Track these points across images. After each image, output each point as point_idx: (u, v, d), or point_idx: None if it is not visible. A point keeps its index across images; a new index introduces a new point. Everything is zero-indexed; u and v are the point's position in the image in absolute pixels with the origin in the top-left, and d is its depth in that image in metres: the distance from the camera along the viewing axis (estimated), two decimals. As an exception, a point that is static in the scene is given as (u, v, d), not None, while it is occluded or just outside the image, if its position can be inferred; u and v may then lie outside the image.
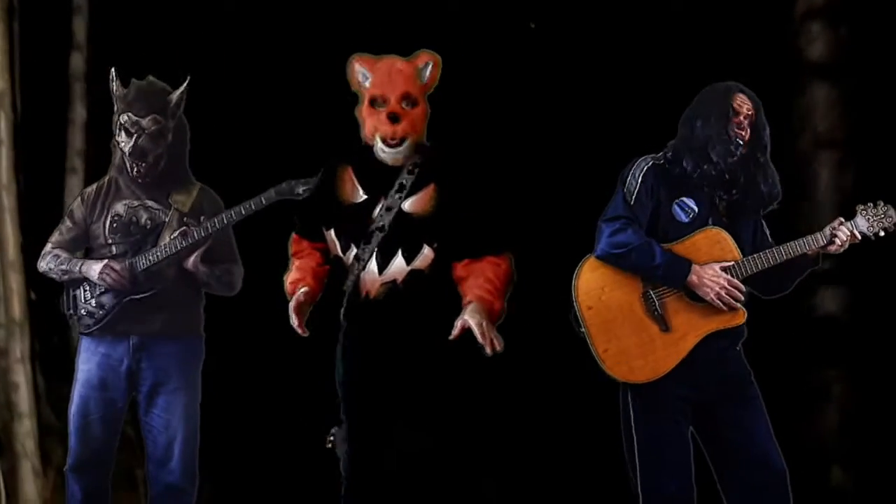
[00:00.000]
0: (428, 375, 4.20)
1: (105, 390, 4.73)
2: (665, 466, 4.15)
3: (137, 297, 4.67)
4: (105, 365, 4.73)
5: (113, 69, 4.75)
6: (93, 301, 4.75)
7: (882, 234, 4.20)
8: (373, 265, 4.22)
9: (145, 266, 4.68)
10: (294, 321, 4.18)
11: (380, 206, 4.24)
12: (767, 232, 4.29)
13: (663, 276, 4.13)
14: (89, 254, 4.81)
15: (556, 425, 5.98)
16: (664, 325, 4.14)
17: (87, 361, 4.78)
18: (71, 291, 4.81)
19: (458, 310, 4.16)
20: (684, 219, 4.18)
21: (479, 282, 4.19)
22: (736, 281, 4.12)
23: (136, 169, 4.70)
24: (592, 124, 5.89)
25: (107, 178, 4.84)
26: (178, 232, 4.66)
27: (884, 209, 4.21)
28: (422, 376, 4.19)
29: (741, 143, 4.16)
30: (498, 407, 5.74)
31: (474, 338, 4.04)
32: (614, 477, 4.49)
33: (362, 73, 4.29)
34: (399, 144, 4.21)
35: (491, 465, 5.78)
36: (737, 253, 4.16)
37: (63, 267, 4.77)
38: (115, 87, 4.76)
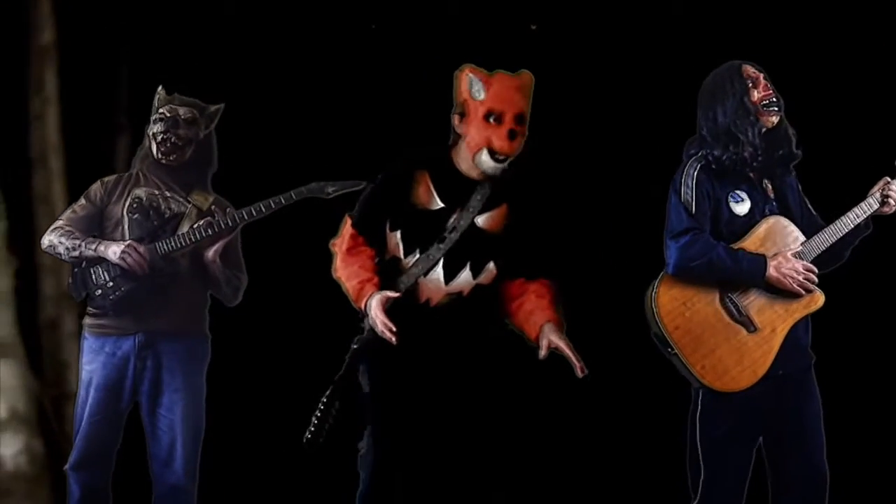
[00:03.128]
0: (485, 389, 4.29)
1: (109, 390, 4.73)
2: (723, 469, 4.14)
3: (155, 280, 4.65)
4: (110, 365, 4.73)
5: (161, 86, 4.87)
6: (109, 282, 4.70)
7: None
8: (438, 273, 4.29)
9: (165, 252, 4.67)
10: (388, 327, 4.17)
11: (455, 216, 4.32)
12: (809, 205, 4.30)
13: (743, 278, 4.10)
14: (101, 237, 4.77)
15: (610, 445, 5.85)
16: (752, 326, 4.13)
17: (92, 362, 4.77)
18: (80, 273, 4.78)
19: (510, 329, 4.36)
20: (741, 211, 4.16)
21: (544, 302, 4.31)
22: (809, 265, 4.12)
23: (163, 147, 4.75)
24: (620, 137, 5.76)
25: (129, 171, 4.90)
26: (202, 220, 4.68)
27: None
28: (479, 389, 4.28)
29: (775, 101, 4.14)
30: (550, 425, 5.69)
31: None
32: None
33: (475, 85, 4.33)
34: (505, 160, 4.28)
35: (541, 487, 5.68)
36: (800, 236, 4.17)
37: (76, 242, 4.72)
38: (158, 98, 4.85)
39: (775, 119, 4.16)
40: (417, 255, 4.29)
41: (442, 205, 4.32)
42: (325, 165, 4.74)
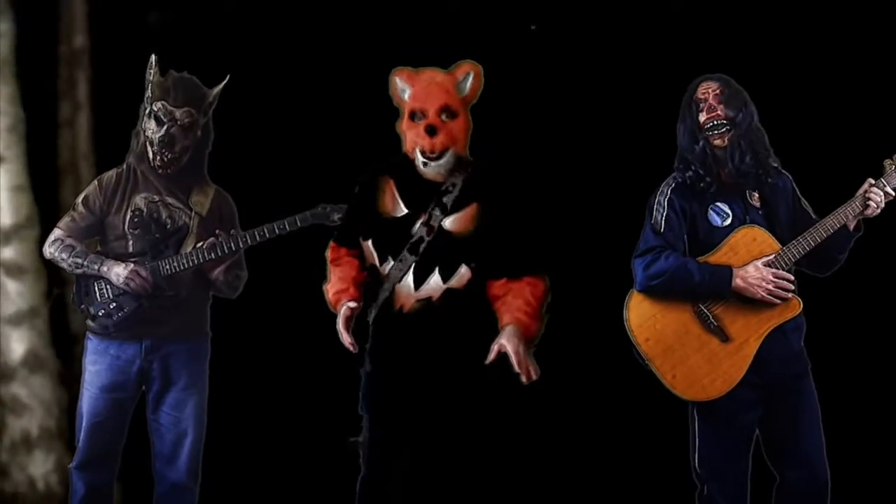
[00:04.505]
0: (455, 395, 4.21)
1: (115, 392, 4.72)
2: (720, 475, 4.22)
3: (157, 301, 4.65)
4: (115, 367, 4.71)
5: (153, 56, 4.74)
6: (112, 303, 4.68)
7: None
8: (409, 280, 4.24)
9: (169, 273, 4.65)
10: (345, 339, 4.21)
11: (420, 221, 4.26)
12: (808, 207, 4.31)
13: (708, 290, 4.15)
14: (103, 245, 4.77)
15: (586, 446, 5.74)
16: (723, 336, 4.16)
17: (97, 363, 4.73)
18: (84, 286, 4.75)
19: (492, 331, 4.19)
20: (720, 223, 4.21)
21: (517, 303, 4.20)
22: (781, 272, 4.13)
23: (159, 158, 4.66)
24: (622, 135, 5.63)
25: (124, 166, 4.81)
26: (206, 243, 4.64)
27: None
28: (448, 396, 4.21)
29: (717, 123, 4.18)
30: (526, 430, 5.49)
31: (507, 361, 4.07)
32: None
33: (402, 87, 4.33)
34: (439, 157, 4.24)
35: (514, 490, 5.32)
36: (775, 244, 4.18)
37: (79, 261, 4.70)
38: (151, 75, 4.73)
39: (720, 141, 4.22)
40: (391, 263, 4.26)
41: (406, 211, 4.29)
42: (321, 161, 4.84)
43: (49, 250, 4.76)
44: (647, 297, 4.19)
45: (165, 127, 4.64)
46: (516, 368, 4.08)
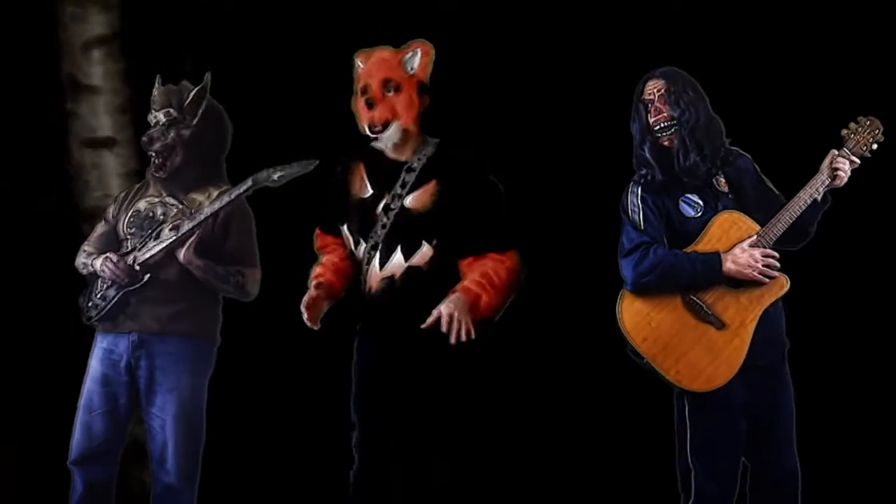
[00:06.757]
0: (422, 373, 4.23)
1: (107, 385, 4.80)
2: (713, 468, 4.20)
3: (133, 287, 4.72)
4: (107, 360, 4.81)
5: (158, 76, 4.88)
6: (100, 294, 4.81)
7: (875, 147, 4.33)
8: (376, 260, 4.30)
9: (141, 260, 4.73)
10: (304, 315, 4.32)
11: (384, 201, 4.33)
12: (771, 185, 4.40)
13: (701, 279, 4.23)
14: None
15: (556, 420, 5.67)
16: (719, 324, 4.22)
17: (94, 357, 4.86)
18: (89, 285, 4.89)
19: None
20: (694, 214, 4.28)
21: (473, 275, 4.24)
22: (768, 251, 4.23)
23: (151, 161, 4.81)
24: (602, 117, 5.35)
25: (143, 180, 4.99)
26: (171, 225, 4.71)
27: (867, 123, 4.32)
28: (416, 374, 4.23)
29: (666, 125, 4.27)
30: (496, 405, 5.32)
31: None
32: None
33: (358, 68, 4.41)
34: (383, 130, 4.30)
35: (489, 466, 5.22)
36: (754, 225, 4.27)
37: (85, 261, 4.90)
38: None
39: (668, 142, 4.29)
40: (363, 245, 4.34)
41: (372, 191, 4.35)
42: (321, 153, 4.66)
43: (76, 261, 4.95)
44: (638, 297, 4.22)
45: (151, 126, 4.80)
46: (443, 328, 4.05)
